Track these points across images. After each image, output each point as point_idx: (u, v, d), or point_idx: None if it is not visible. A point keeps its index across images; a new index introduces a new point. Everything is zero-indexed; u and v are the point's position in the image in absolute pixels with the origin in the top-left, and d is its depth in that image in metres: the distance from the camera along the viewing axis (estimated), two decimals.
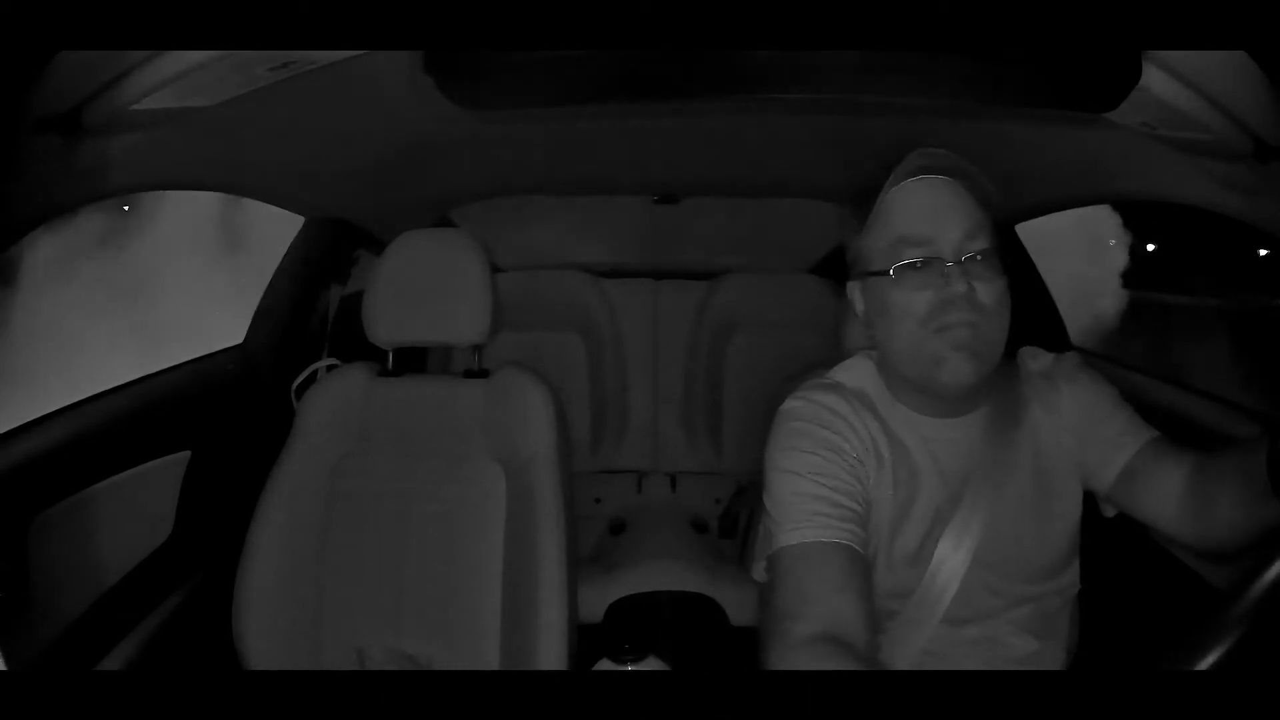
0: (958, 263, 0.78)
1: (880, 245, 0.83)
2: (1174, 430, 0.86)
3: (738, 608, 1.61)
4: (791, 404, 0.87)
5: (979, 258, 0.79)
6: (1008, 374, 0.89)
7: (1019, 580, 0.84)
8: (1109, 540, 0.87)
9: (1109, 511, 0.89)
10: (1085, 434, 0.87)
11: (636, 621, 1.60)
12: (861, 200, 0.85)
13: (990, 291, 0.78)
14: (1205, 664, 0.45)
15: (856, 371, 0.90)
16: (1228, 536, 0.76)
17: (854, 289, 0.88)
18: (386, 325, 1.21)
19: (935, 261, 0.79)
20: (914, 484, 0.84)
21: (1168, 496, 0.81)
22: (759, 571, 0.86)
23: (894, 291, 0.80)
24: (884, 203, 0.83)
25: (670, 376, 2.20)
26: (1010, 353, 0.88)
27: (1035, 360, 0.93)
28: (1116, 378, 0.93)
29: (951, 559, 0.82)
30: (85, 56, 0.68)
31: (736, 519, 1.85)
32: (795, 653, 0.69)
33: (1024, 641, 0.85)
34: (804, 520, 0.78)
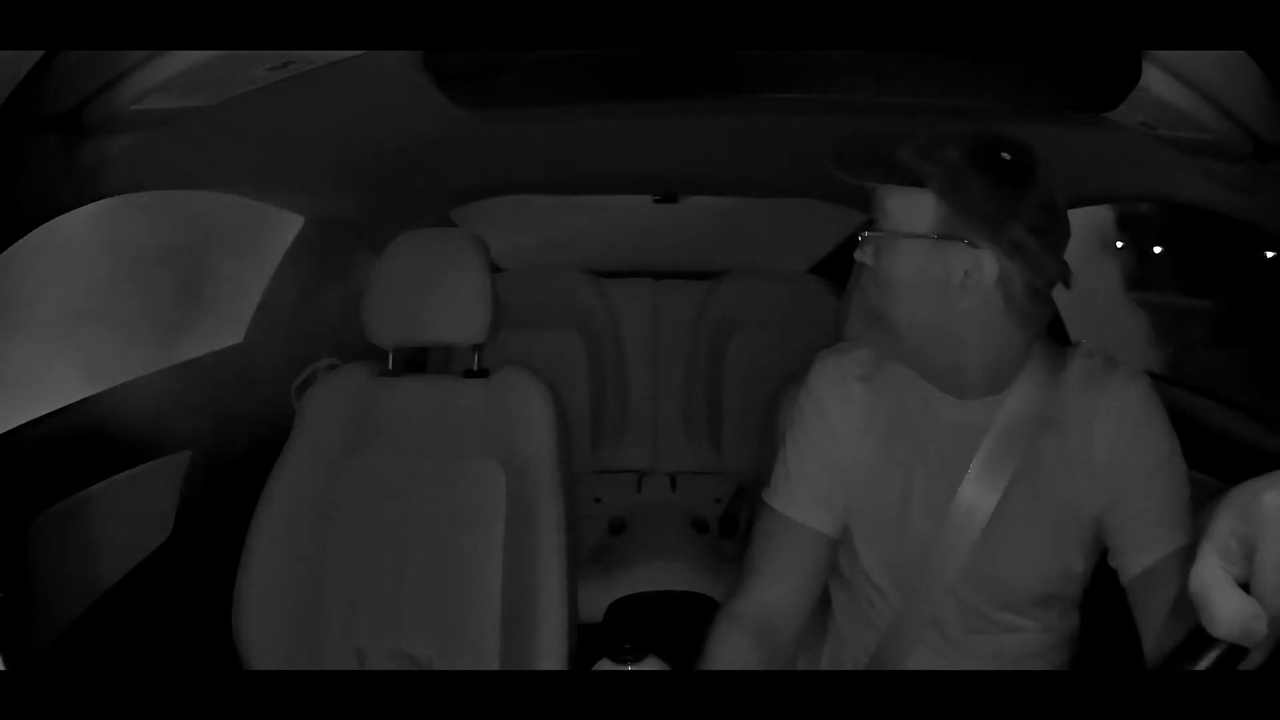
0: (871, 233, 0.80)
1: None
2: (1176, 430, 0.85)
3: None
4: (822, 363, 0.89)
5: (891, 238, 0.77)
6: (1049, 365, 0.80)
7: (995, 605, 0.81)
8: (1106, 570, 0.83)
9: (1123, 580, 0.77)
10: (1117, 491, 0.77)
11: (636, 621, 1.60)
12: None
13: (891, 272, 0.78)
14: (1205, 664, 0.45)
15: None
16: None
17: None
18: (386, 325, 1.21)
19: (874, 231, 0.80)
20: (911, 462, 0.83)
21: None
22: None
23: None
24: None
25: (670, 376, 2.19)
26: (1069, 341, 0.85)
27: (1090, 359, 0.81)
28: None
29: (965, 522, 0.79)
30: (85, 56, 0.68)
31: (737, 519, 1.85)
32: (725, 624, 0.83)
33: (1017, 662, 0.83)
34: (790, 491, 0.86)
